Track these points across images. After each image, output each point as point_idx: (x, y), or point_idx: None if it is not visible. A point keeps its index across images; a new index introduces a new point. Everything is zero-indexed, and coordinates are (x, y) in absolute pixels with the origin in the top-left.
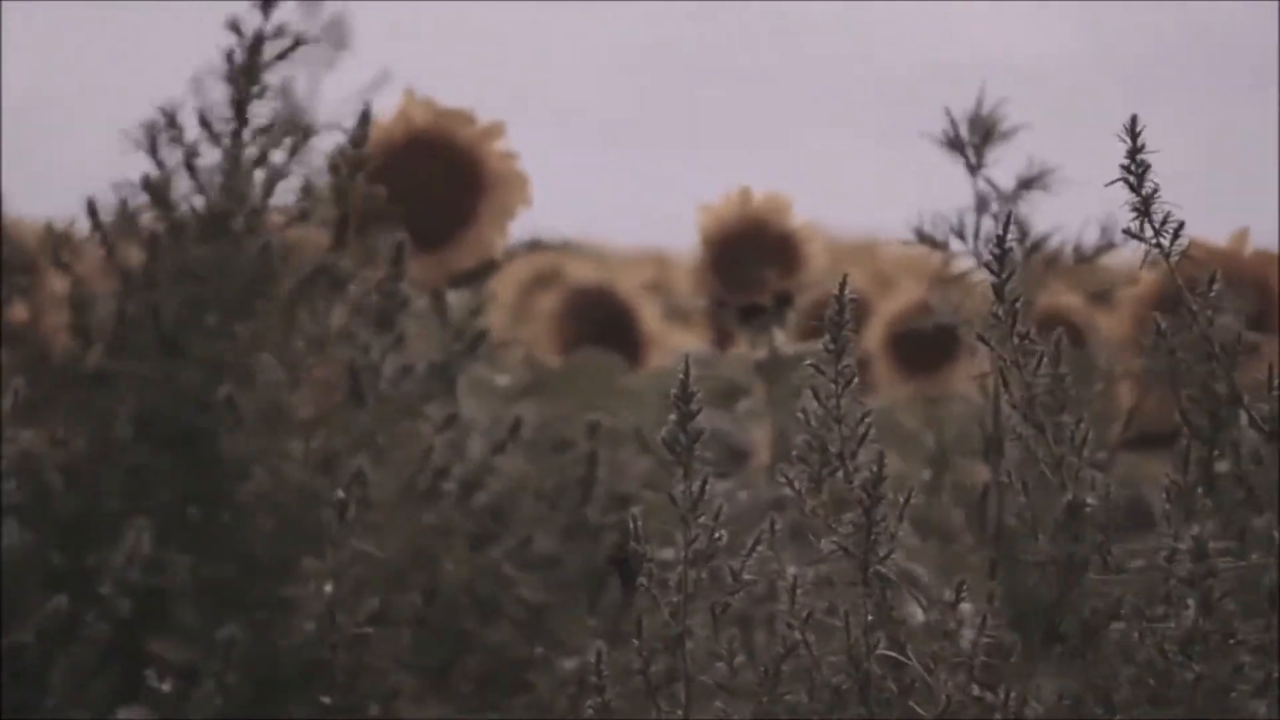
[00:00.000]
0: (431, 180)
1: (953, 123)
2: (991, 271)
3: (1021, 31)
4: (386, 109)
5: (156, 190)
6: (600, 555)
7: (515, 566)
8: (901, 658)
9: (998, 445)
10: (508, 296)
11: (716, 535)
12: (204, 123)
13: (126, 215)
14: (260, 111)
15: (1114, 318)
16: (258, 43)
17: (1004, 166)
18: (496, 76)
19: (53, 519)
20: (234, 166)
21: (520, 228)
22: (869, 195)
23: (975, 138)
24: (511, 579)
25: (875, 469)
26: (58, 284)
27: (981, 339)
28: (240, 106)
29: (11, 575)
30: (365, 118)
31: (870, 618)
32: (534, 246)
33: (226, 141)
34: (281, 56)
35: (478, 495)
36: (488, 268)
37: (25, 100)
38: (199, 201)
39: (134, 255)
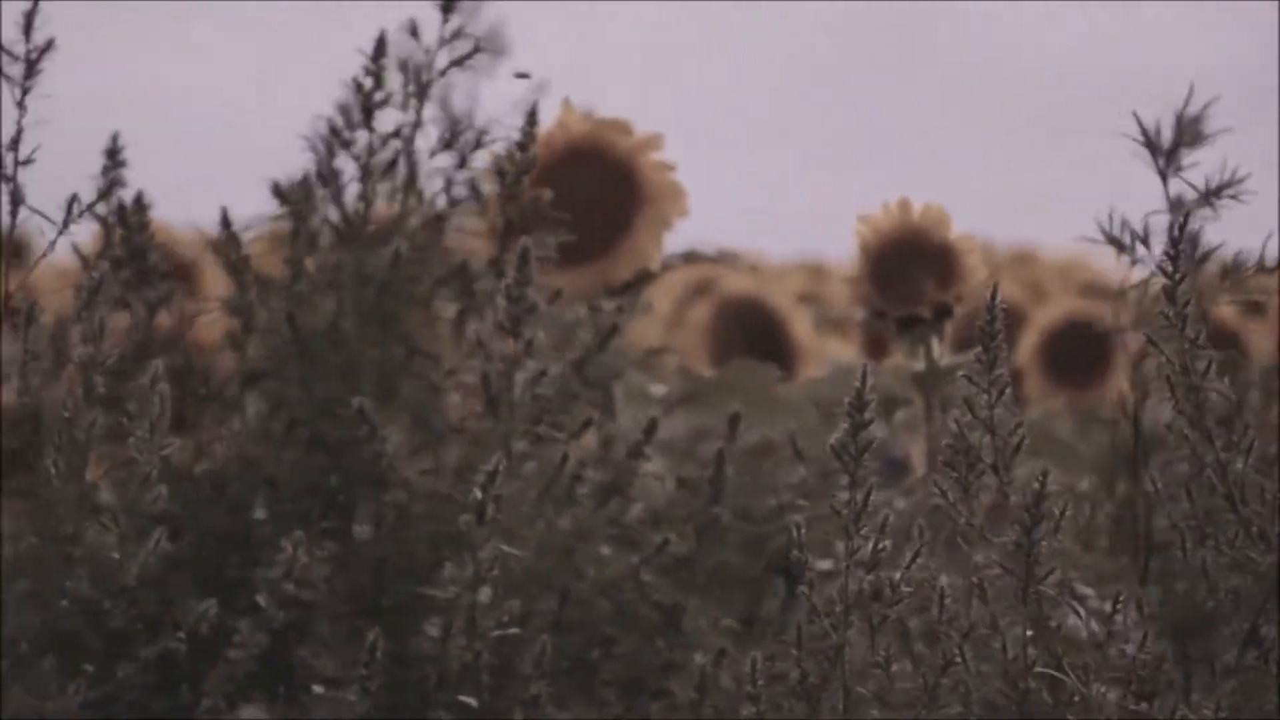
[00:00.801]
0: (588, 191)
1: (1141, 125)
2: (1165, 275)
3: (1189, 35)
4: (543, 119)
5: (293, 197)
6: (752, 559)
7: (651, 570)
8: (1057, 673)
9: (1143, 456)
10: (663, 307)
11: (880, 546)
12: (368, 125)
13: (273, 222)
14: (428, 116)
15: (1266, 327)
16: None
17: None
18: (654, 86)
19: (198, 527)
20: (369, 175)
21: (677, 238)
22: (1025, 204)
23: (1171, 140)
24: (648, 583)
25: (1038, 485)
26: (205, 291)
27: (1151, 341)
28: (419, 109)
29: (161, 583)
30: (532, 118)
31: (1029, 633)
32: (690, 257)
33: (394, 145)
34: (457, 62)
35: (615, 499)
36: (644, 278)
37: (170, 104)
38: (333, 212)
39: (273, 264)
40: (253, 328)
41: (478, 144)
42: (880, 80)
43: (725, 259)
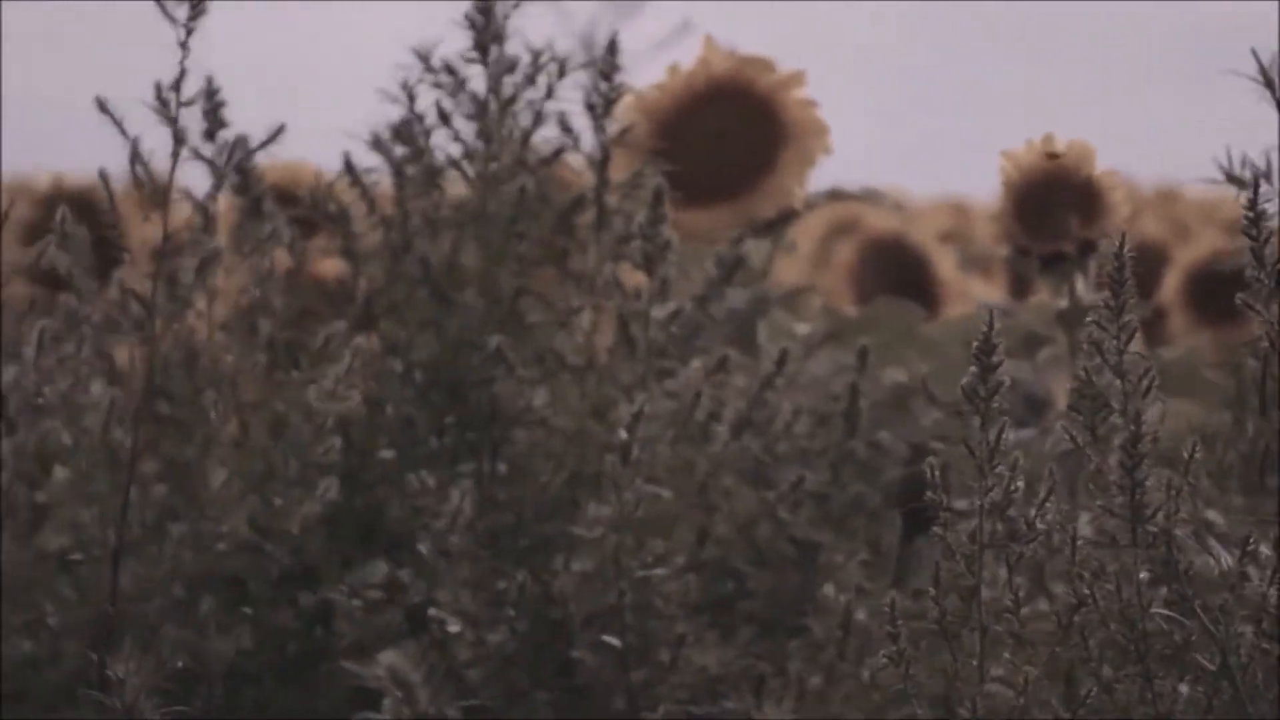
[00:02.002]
0: (731, 128)
1: (1259, 63)
2: None
3: None
4: (686, 59)
5: (410, 137)
6: (873, 492)
7: (787, 506)
8: (1176, 615)
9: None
10: (807, 246)
11: (1012, 486)
12: (448, 69)
13: (392, 163)
14: (507, 54)
15: None
16: None
17: None
18: (797, 24)
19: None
20: (484, 110)
21: (821, 176)
22: (1170, 143)
23: None
24: (785, 520)
25: (1134, 428)
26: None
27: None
28: (484, 49)
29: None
30: (613, 48)
31: (1145, 574)
32: (835, 195)
33: (480, 84)
34: None
35: (749, 433)
36: (787, 217)
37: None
38: (455, 148)
39: (392, 205)
40: (374, 269)
41: (561, 74)
42: (1019, 22)
43: (869, 197)
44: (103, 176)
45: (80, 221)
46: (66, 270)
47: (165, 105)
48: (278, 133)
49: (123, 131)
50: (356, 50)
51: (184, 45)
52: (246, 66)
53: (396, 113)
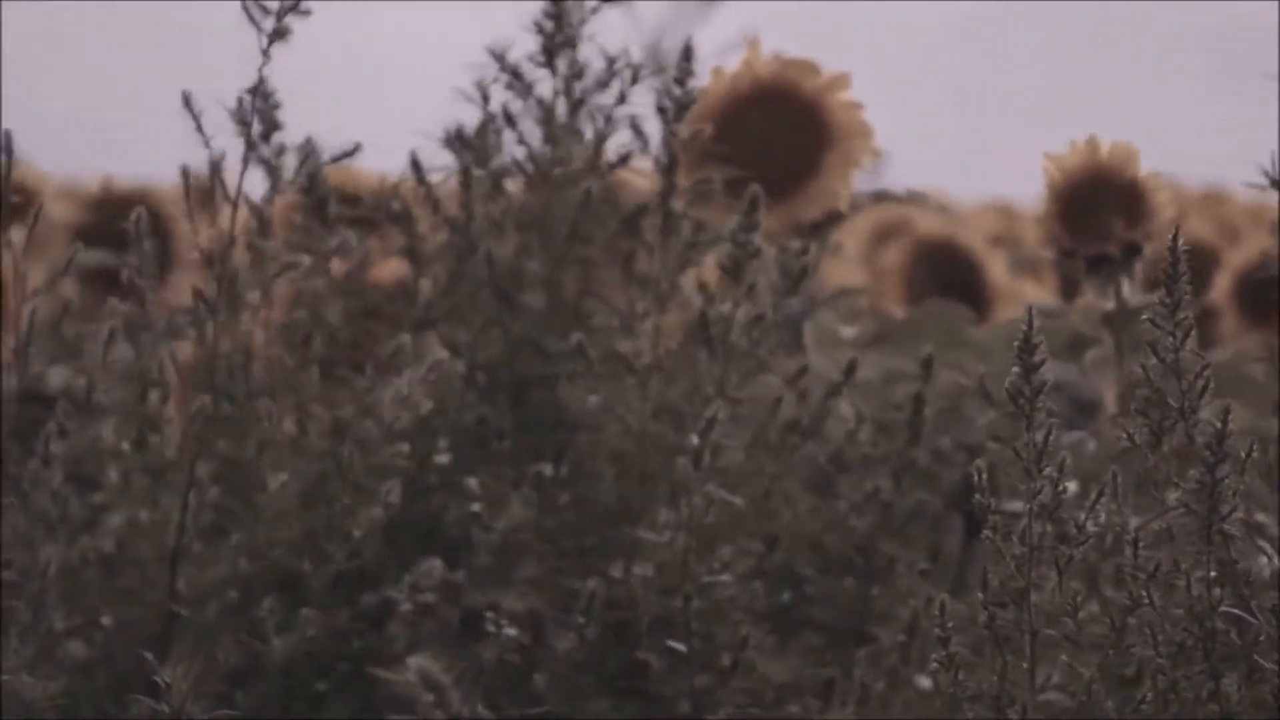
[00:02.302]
0: (776, 131)
1: None
2: None
3: None
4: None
5: (474, 141)
6: (934, 498)
7: (853, 514)
8: (1244, 614)
9: None
10: (853, 248)
11: (1061, 488)
12: (515, 73)
13: (461, 166)
14: (578, 58)
15: None
16: None
17: None
18: (840, 26)
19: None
20: (551, 114)
21: (866, 178)
22: (1216, 145)
23: None
24: (852, 527)
25: (1219, 425)
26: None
27: None
28: (551, 54)
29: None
30: (687, 54)
31: (1213, 573)
32: (880, 197)
33: (551, 86)
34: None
35: (814, 441)
36: (833, 219)
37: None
38: (520, 151)
39: (457, 208)
40: (438, 270)
41: (634, 79)
42: (1065, 24)
43: (915, 199)
44: (184, 174)
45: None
46: (130, 273)
47: (240, 109)
48: (354, 149)
49: (202, 133)
50: (421, 51)
51: (265, 53)
52: (305, 66)
53: (463, 114)
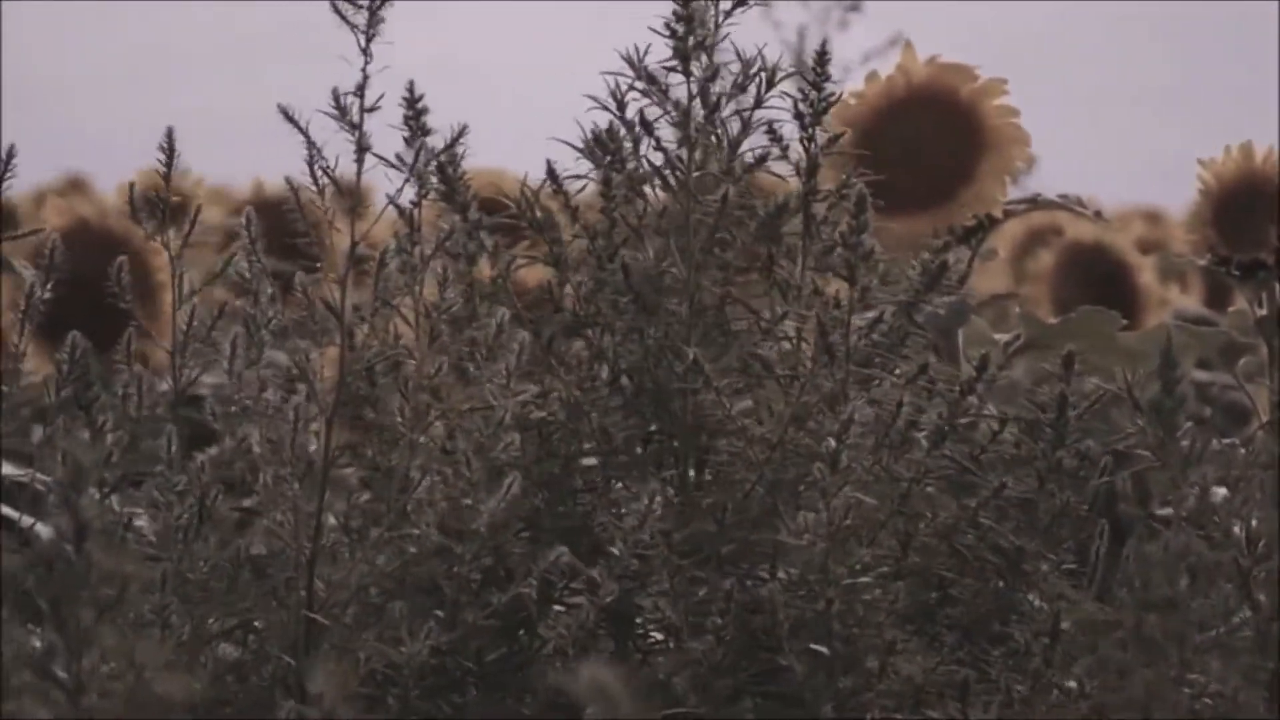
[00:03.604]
0: (931, 135)
1: None
2: None
3: None
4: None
5: (611, 146)
6: (1079, 501)
7: (991, 514)
8: None
9: None
10: (1005, 253)
11: (1207, 494)
12: (650, 77)
13: (599, 172)
14: (713, 62)
15: None
16: None
17: None
18: (995, 30)
19: (530, 476)
20: (688, 118)
21: (1020, 183)
22: None
23: None
24: (989, 527)
25: None
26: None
27: None
28: (685, 58)
29: (503, 529)
30: (823, 57)
31: None
32: (1034, 203)
33: (686, 90)
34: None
35: (950, 441)
36: (987, 224)
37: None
38: (658, 156)
39: (596, 214)
40: (577, 276)
41: (770, 84)
42: (1211, 30)
43: (1066, 205)
44: (327, 177)
45: (276, 227)
46: (298, 277)
47: (344, 111)
48: (462, 131)
49: (306, 136)
50: (558, 56)
51: (365, 52)
52: (445, 71)
53: (598, 120)
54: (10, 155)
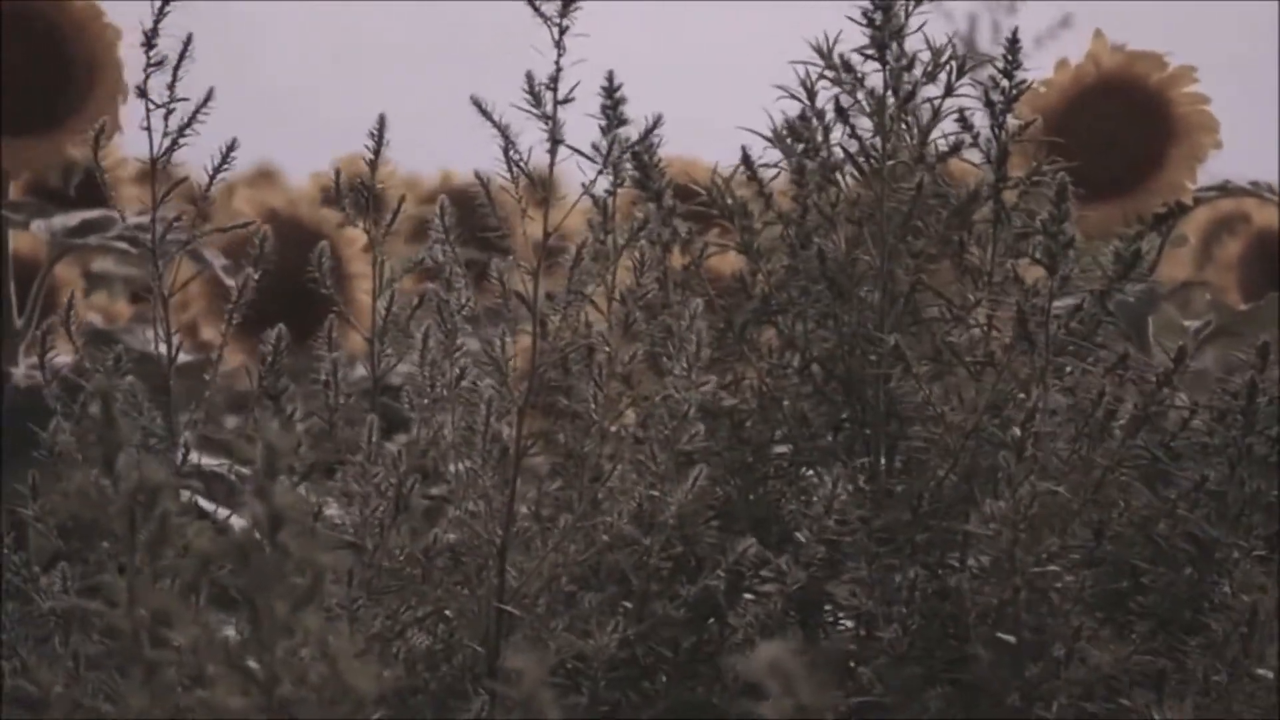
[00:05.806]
0: (1120, 123)
1: None
2: None
3: None
4: (1069, 53)
5: (805, 134)
6: (1273, 488)
7: (1186, 503)
8: None
9: None
10: (1194, 240)
11: None
12: (846, 66)
13: (792, 160)
14: (905, 50)
15: None
16: None
17: None
18: (1173, 20)
19: (722, 464)
20: (882, 107)
21: (1208, 171)
22: None
23: None
24: (1184, 517)
25: None
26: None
27: None
28: (881, 47)
29: (693, 519)
30: (1014, 45)
31: None
32: (1224, 190)
33: (877, 80)
34: None
35: (1145, 431)
36: (1177, 211)
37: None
38: (851, 144)
39: (789, 202)
40: (773, 264)
41: (961, 72)
42: None
43: (1256, 192)
44: (478, 176)
45: (467, 217)
46: (495, 267)
47: (539, 101)
48: (657, 121)
49: (498, 127)
50: (744, 48)
51: (558, 44)
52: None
53: (789, 110)
54: (231, 148)
